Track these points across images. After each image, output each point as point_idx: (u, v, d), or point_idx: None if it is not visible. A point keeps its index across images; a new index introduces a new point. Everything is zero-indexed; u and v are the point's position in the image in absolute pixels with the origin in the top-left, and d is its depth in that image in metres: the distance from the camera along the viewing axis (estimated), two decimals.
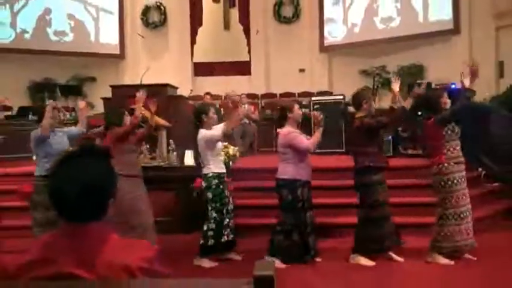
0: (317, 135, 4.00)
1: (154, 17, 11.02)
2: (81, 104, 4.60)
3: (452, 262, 3.88)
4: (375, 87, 10.10)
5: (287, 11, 10.82)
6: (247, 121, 7.98)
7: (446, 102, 3.97)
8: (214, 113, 4.18)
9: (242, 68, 10.91)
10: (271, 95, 10.54)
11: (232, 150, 5.43)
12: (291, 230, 3.97)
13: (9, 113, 9.11)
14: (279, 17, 10.81)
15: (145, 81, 6.37)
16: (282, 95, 10.52)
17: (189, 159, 5.15)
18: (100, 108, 7.29)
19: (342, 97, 8.03)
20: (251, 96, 9.57)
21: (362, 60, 10.37)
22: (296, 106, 4.17)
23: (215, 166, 4.07)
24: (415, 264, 3.94)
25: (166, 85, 6.10)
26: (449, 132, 3.91)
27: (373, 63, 10.25)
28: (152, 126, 4.31)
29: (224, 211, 4.07)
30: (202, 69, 11.03)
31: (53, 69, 10.52)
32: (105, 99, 6.23)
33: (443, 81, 7.43)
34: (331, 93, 9.21)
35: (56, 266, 1.12)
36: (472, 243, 3.93)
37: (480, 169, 5.66)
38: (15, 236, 4.39)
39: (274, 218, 4.25)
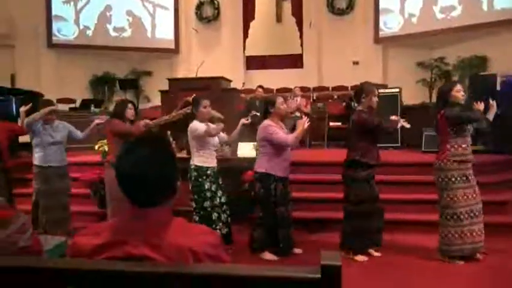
0: (298, 131, 3.86)
1: (208, 11, 11.20)
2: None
3: (461, 262, 3.76)
4: (433, 79, 9.70)
5: (341, 2, 10.60)
6: (298, 114, 7.93)
7: (457, 95, 3.75)
8: (205, 106, 4.13)
9: (294, 61, 10.84)
10: (324, 88, 10.41)
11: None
12: (261, 224, 4.02)
13: (72, 105, 9.66)
14: (332, 8, 10.62)
15: (199, 75, 6.51)
16: (334, 88, 10.36)
17: (242, 151, 5.20)
18: (157, 101, 7.54)
19: (397, 90, 7.79)
20: (303, 90, 9.49)
21: (419, 51, 9.97)
22: (279, 100, 4.07)
23: (198, 159, 4.08)
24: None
25: (220, 78, 6.19)
26: (454, 129, 3.73)
27: (431, 54, 9.83)
28: None
29: (207, 204, 4.05)
30: (254, 62, 11.09)
31: (112, 63, 11.01)
32: (162, 92, 6.42)
33: (510, 73, 6.98)
34: (386, 86, 8.93)
35: (127, 248, 1.17)
36: (479, 247, 3.76)
37: None
38: (79, 221, 4.69)
39: (328, 211, 4.22)
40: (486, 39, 8.91)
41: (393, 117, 3.99)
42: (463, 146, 3.73)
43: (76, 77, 10.54)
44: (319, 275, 0.93)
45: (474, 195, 3.74)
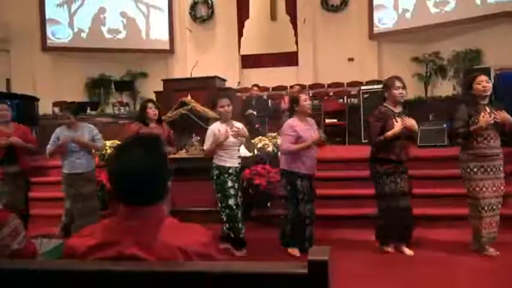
0: (304, 145, 3.89)
1: (202, 11, 11.20)
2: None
3: (496, 253, 3.73)
4: (428, 74, 9.72)
5: None
6: None
7: (478, 87, 3.67)
8: (222, 106, 4.11)
9: (289, 59, 10.85)
10: (319, 85, 10.42)
11: (280, 140, 5.44)
12: (292, 220, 4.03)
13: None
14: (326, 5, 10.63)
15: (194, 75, 6.51)
16: (330, 85, 10.37)
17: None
18: None
19: None
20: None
21: (414, 46, 9.99)
22: (303, 97, 4.06)
23: (218, 159, 4.09)
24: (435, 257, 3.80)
25: (214, 77, 6.19)
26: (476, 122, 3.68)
27: (425, 49, 9.84)
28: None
29: (232, 202, 4.06)
30: (249, 61, 11.09)
31: (107, 65, 11.00)
32: (157, 92, 6.43)
33: (504, 67, 7.00)
34: (381, 82, 8.95)
35: (118, 248, 1.17)
36: (493, 236, 3.76)
37: None
38: None
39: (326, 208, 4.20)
40: (480, 33, 8.94)
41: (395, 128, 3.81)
42: (479, 139, 3.69)
43: (71, 80, 10.54)
44: (306, 270, 0.94)
45: (494, 188, 3.69)
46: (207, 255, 1.20)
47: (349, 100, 9.38)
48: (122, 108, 10.44)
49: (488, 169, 3.70)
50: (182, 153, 5.60)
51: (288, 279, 0.96)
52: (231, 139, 4.05)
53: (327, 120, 8.68)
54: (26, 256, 1.57)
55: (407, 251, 3.92)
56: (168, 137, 4.50)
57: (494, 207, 3.72)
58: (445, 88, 9.25)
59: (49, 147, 4.47)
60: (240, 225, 4.08)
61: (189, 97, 5.68)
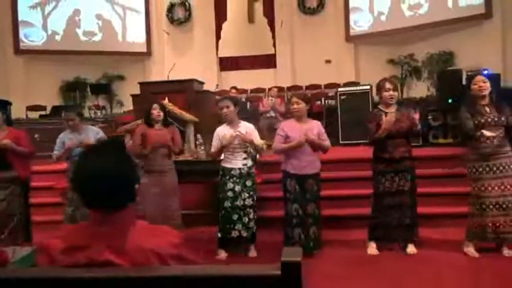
0: (289, 145, 3.94)
1: (179, 13, 11.15)
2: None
3: (477, 255, 3.71)
4: (403, 76, 9.91)
5: (311, 1, 10.72)
6: (273, 114, 7.99)
7: (474, 87, 3.72)
8: (221, 108, 4.12)
9: (267, 61, 10.90)
10: (298, 88, 10.50)
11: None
12: (284, 218, 4.08)
13: (43, 113, 9.45)
14: (303, 7, 10.73)
15: (172, 77, 6.47)
16: (308, 87, 10.46)
17: None
18: (129, 105, 7.47)
19: (368, 87, 7.93)
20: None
21: (389, 49, 10.18)
22: (292, 100, 4.14)
23: (223, 160, 4.15)
24: (431, 255, 3.81)
25: (192, 80, 6.17)
26: (476, 122, 3.72)
27: (400, 51, 10.04)
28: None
29: (227, 204, 4.03)
30: (227, 63, 11.09)
31: (83, 68, 10.83)
32: (134, 96, 6.36)
33: (475, 68, 7.20)
34: (358, 84, 9.09)
35: (89, 253, 1.16)
36: (507, 239, 3.69)
37: None
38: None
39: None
40: (453, 35, 9.18)
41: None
42: (482, 138, 3.69)
43: (45, 83, 10.32)
44: (279, 272, 0.95)
45: (502, 187, 3.65)
46: (179, 255, 1.20)
47: (326, 102, 9.48)
48: (99, 111, 10.28)
49: (494, 168, 3.66)
50: None
51: (261, 281, 0.97)
52: (235, 141, 4.06)
53: None
54: None
55: (411, 249, 3.89)
56: (171, 139, 4.41)
57: (504, 206, 3.63)
58: (420, 89, 9.46)
59: (56, 153, 4.39)
60: (232, 225, 4.02)
61: (166, 100, 5.63)
